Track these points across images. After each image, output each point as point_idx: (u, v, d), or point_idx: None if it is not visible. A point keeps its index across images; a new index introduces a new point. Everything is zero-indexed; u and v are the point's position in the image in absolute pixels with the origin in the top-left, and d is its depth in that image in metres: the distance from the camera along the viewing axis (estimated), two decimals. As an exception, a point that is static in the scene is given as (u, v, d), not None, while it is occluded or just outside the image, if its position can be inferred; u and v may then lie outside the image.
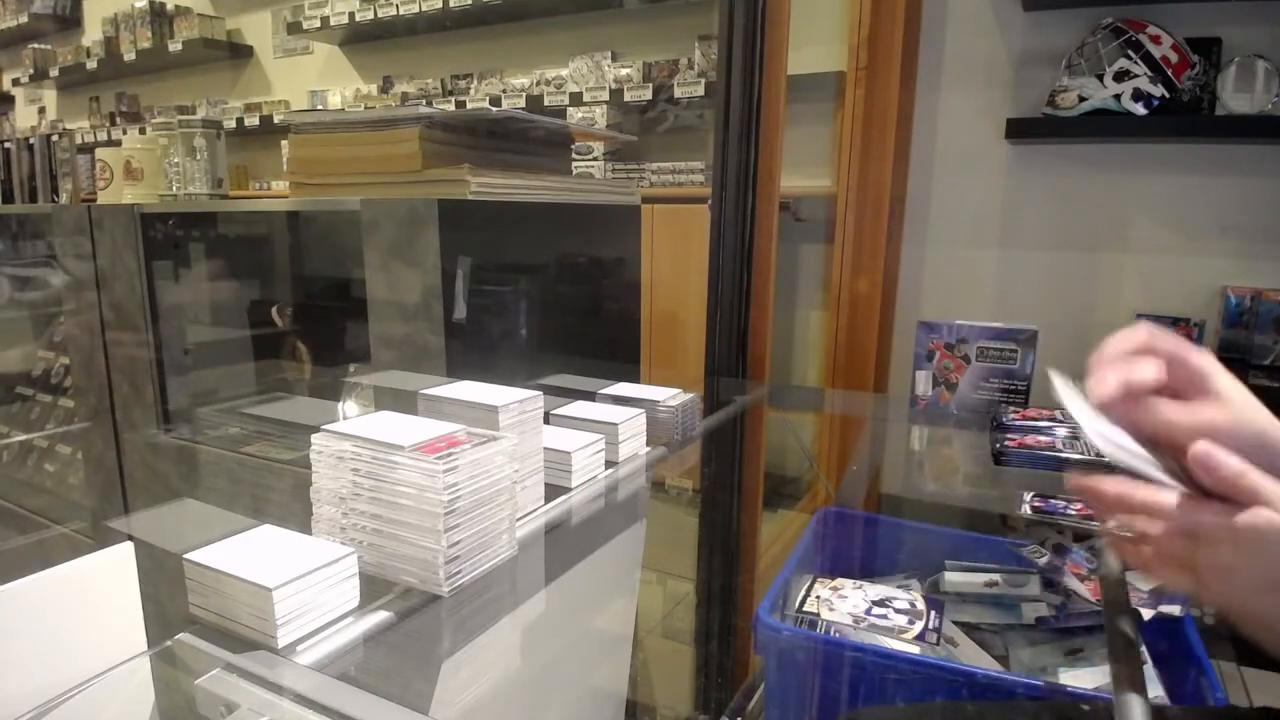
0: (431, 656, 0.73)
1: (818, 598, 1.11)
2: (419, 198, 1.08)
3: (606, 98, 2.98)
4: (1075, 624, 1.14)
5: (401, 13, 3.34)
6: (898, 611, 1.08)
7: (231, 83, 4.43)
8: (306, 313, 1.61)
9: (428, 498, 0.68)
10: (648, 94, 2.91)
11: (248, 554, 0.65)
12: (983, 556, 1.26)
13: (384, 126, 1.12)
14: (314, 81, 4.06)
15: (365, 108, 3.21)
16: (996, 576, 1.21)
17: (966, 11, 2.36)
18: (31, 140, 1.98)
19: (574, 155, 2.12)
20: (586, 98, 3.02)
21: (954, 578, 1.23)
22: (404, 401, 0.93)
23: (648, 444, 1.12)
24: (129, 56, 4.37)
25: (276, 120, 3.97)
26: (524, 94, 3.20)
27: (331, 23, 3.58)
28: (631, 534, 1.13)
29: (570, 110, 3.06)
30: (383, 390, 1.15)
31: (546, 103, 3.12)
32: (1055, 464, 1.17)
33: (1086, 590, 1.13)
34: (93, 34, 4.81)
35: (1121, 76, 2.03)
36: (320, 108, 3.87)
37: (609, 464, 1.02)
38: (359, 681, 0.60)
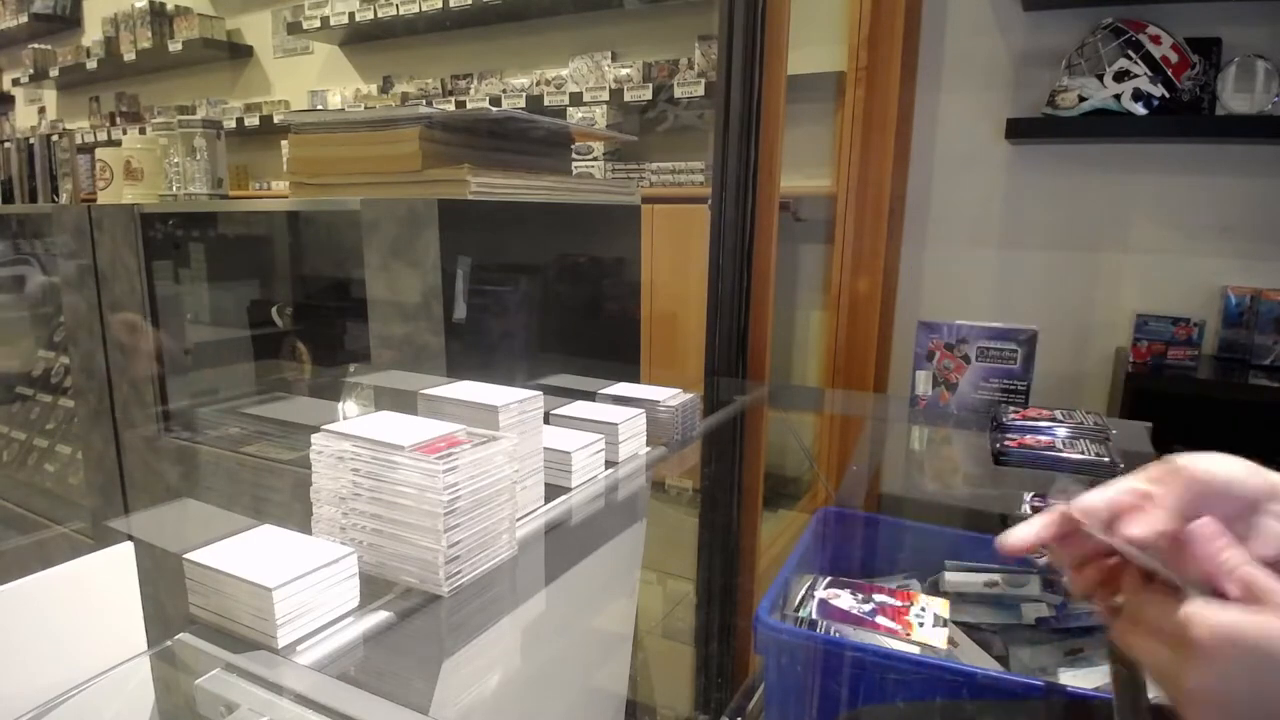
0: (431, 656, 0.73)
1: (817, 598, 1.11)
2: (419, 198, 1.08)
3: (606, 98, 2.98)
4: (1075, 624, 1.14)
5: (401, 13, 3.34)
6: (898, 611, 1.08)
7: (231, 83, 4.43)
8: (306, 313, 1.61)
9: (428, 498, 0.68)
10: (648, 94, 2.91)
11: (248, 554, 0.65)
12: (983, 556, 1.26)
13: (384, 126, 1.12)
14: (314, 81, 4.06)
15: (365, 108, 3.21)
16: (996, 576, 1.21)
17: (966, 11, 2.36)
18: (31, 140, 1.98)
19: (574, 155, 2.12)
20: (586, 98, 3.02)
21: (954, 578, 1.23)
22: (404, 401, 0.93)
23: (648, 444, 1.12)
24: (129, 56, 4.37)
25: (276, 120, 3.97)
26: (524, 94, 3.20)
27: (331, 23, 3.58)
28: (631, 534, 1.13)
29: (570, 110, 3.06)
30: (383, 390, 1.15)
31: (546, 103, 3.12)
32: (1055, 464, 1.17)
33: (1086, 590, 1.13)
34: (93, 34, 4.81)
35: (1121, 76, 2.03)
36: (320, 108, 3.87)
37: (609, 464, 1.02)
38: (359, 681, 0.60)
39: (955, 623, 1.16)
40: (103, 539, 1.09)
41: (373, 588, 0.70)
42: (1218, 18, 2.05)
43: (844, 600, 1.10)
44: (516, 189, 1.19)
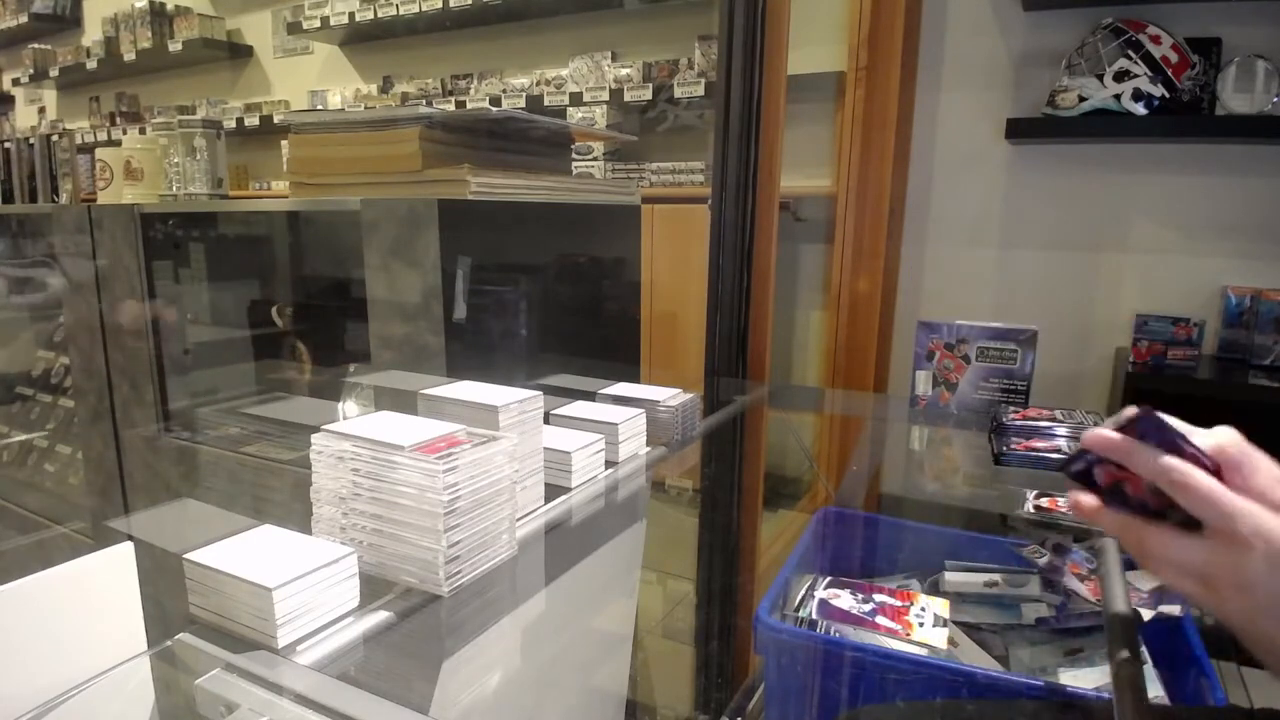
0: (431, 656, 0.73)
1: (817, 598, 1.11)
2: (419, 198, 1.08)
3: (606, 98, 2.98)
4: (1075, 624, 1.14)
5: (401, 13, 3.33)
6: (898, 611, 1.08)
7: (231, 83, 4.43)
8: (306, 313, 1.61)
9: (428, 498, 0.68)
10: (648, 94, 2.91)
11: (248, 554, 0.65)
12: (983, 556, 1.26)
13: (384, 126, 1.12)
14: (314, 81, 4.06)
15: (365, 108, 3.21)
16: (996, 576, 1.21)
17: (966, 11, 2.36)
18: (31, 140, 1.98)
19: (574, 155, 2.12)
20: (586, 98, 3.02)
21: (954, 578, 1.23)
22: (404, 401, 0.93)
23: (648, 444, 1.12)
24: (129, 56, 4.37)
25: (276, 120, 3.96)
26: (524, 94, 3.20)
27: (331, 23, 3.57)
28: (631, 534, 1.13)
29: (570, 110, 3.05)
30: (383, 390, 1.15)
31: (546, 103, 3.12)
32: (1055, 464, 1.18)
33: (1086, 590, 1.13)
34: (93, 34, 4.81)
35: (1121, 76, 2.03)
36: (320, 108, 3.87)
37: (609, 464, 1.02)
38: (359, 681, 0.60)
39: (955, 623, 1.16)
40: (103, 539, 1.09)
41: (373, 588, 0.70)
42: (1218, 18, 2.05)
43: (844, 600, 1.10)
44: (516, 189, 1.19)
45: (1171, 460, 0.51)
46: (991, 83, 2.35)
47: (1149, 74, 2.00)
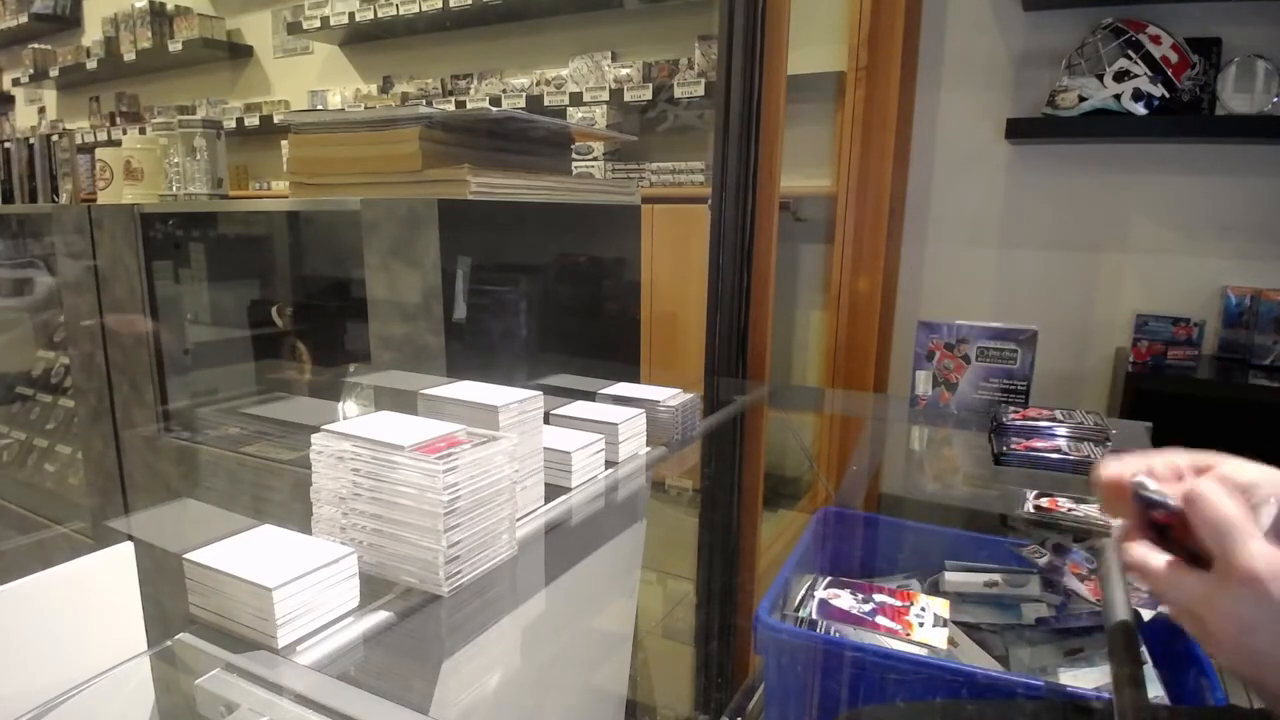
0: (431, 656, 0.73)
1: (817, 598, 1.11)
2: (419, 198, 1.08)
3: (606, 98, 2.98)
4: (1075, 624, 1.14)
5: (401, 13, 3.34)
6: (898, 611, 1.08)
7: (231, 83, 4.43)
8: (306, 313, 1.61)
9: (428, 498, 0.68)
10: (648, 94, 2.91)
11: (248, 554, 0.65)
12: (983, 556, 1.26)
13: (384, 126, 1.12)
14: (314, 81, 4.06)
15: (365, 108, 3.21)
16: (996, 576, 1.21)
17: (966, 11, 2.36)
18: (31, 140, 1.98)
19: (574, 155, 2.12)
20: (586, 98, 3.02)
21: (954, 578, 1.23)
22: (404, 401, 0.93)
23: (648, 444, 1.12)
24: (129, 56, 4.37)
25: (276, 120, 3.96)
26: (524, 94, 3.20)
27: (331, 23, 3.57)
28: (631, 534, 1.13)
29: (570, 110, 3.05)
30: (383, 390, 1.15)
31: (546, 103, 3.12)
32: (1055, 465, 1.18)
33: (1086, 590, 1.13)
34: (93, 34, 4.81)
35: (1121, 76, 2.03)
36: (320, 108, 3.87)
37: (609, 464, 1.02)
38: (359, 681, 0.60)
39: (955, 623, 1.16)
40: (103, 539, 1.09)
41: (373, 588, 0.70)
42: (1218, 18, 2.05)
43: (844, 600, 1.10)
44: (516, 189, 1.19)
45: (1208, 479, 0.50)
46: (991, 83, 2.35)
47: (1149, 74, 2.00)
